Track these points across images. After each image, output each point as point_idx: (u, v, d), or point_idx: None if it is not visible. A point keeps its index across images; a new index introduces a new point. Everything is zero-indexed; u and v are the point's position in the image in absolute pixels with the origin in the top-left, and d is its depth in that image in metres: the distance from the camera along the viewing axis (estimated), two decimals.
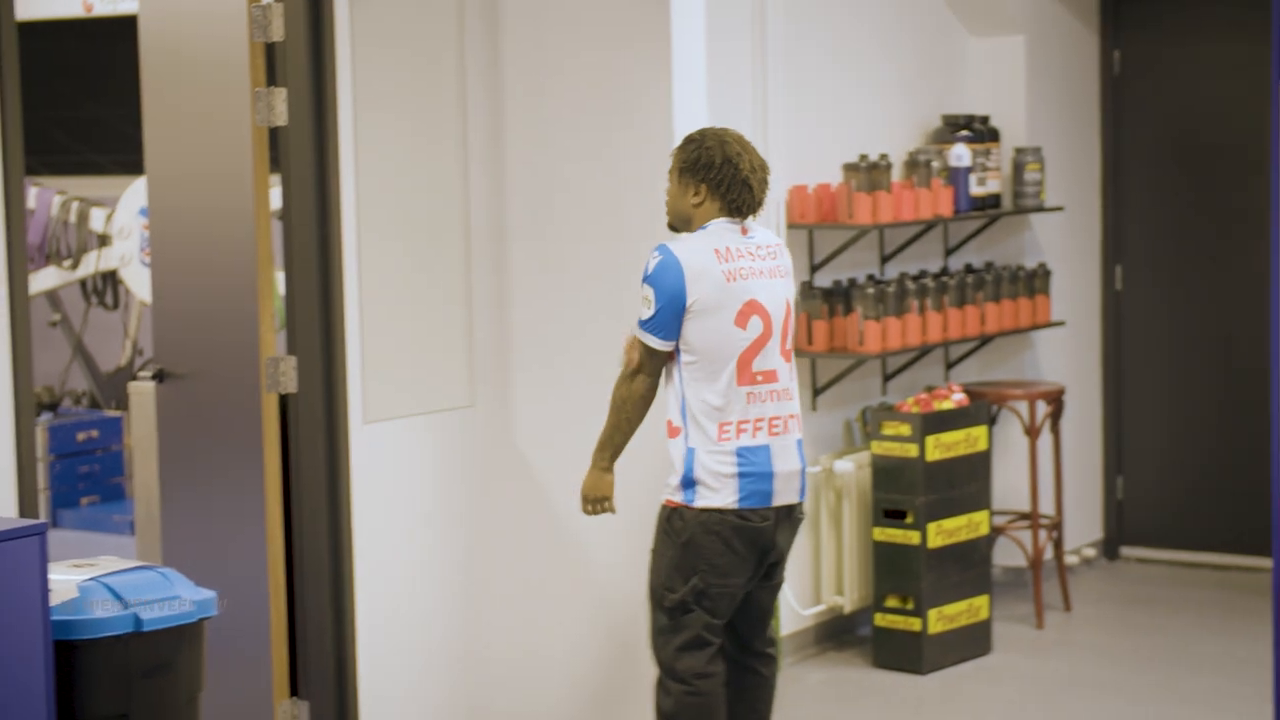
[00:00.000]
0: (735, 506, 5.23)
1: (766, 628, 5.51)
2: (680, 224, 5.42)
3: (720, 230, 5.30)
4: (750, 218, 5.35)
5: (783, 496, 5.31)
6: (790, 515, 5.36)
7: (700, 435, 5.25)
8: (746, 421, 5.26)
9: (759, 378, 5.28)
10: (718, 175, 5.28)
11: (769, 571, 5.39)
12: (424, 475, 6.15)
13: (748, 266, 5.29)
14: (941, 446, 7.42)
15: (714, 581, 5.26)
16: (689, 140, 5.37)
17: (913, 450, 7.35)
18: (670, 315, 5.22)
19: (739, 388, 5.25)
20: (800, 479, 5.37)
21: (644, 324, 5.26)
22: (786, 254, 5.44)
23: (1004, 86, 8.60)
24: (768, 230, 5.48)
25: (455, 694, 6.28)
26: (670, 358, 5.30)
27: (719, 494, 5.23)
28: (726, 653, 5.41)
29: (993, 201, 8.28)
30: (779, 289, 5.35)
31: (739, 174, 5.30)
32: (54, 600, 4.53)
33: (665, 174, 5.45)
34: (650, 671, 6.10)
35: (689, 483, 5.25)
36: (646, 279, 5.24)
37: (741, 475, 5.24)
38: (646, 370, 5.32)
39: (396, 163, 6.03)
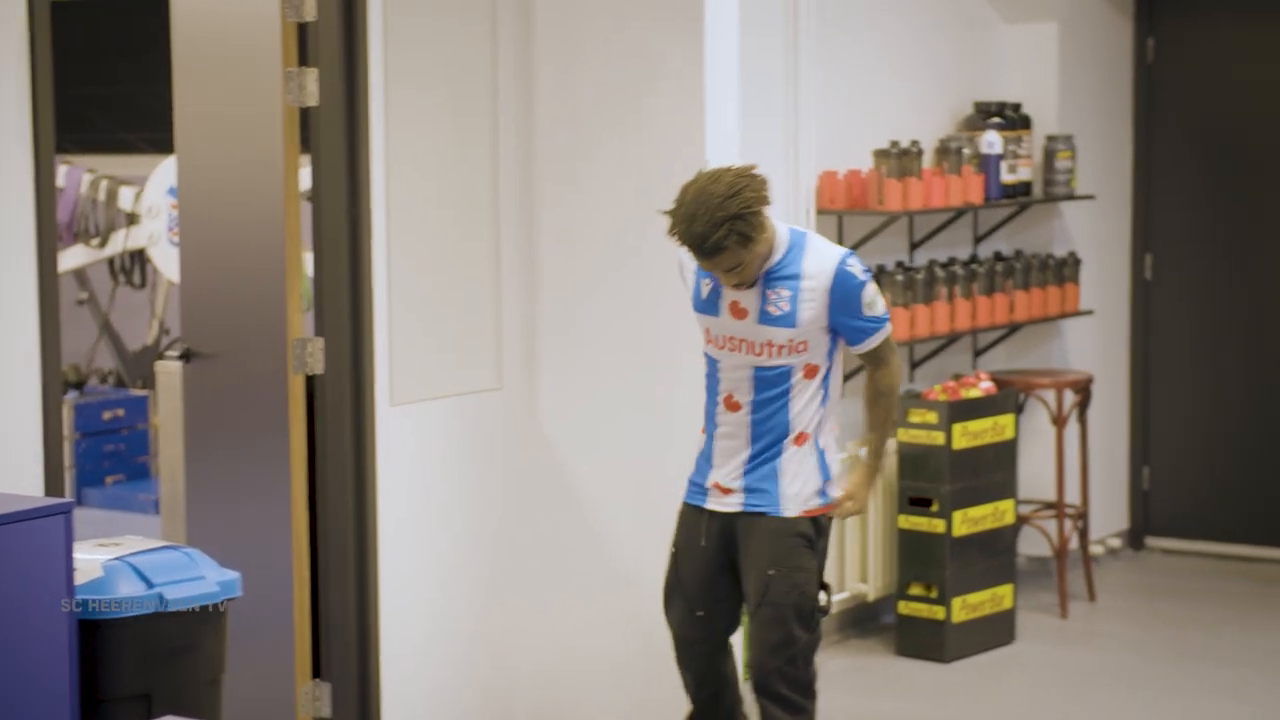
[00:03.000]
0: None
1: None
2: (760, 269, 5.07)
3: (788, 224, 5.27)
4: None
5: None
6: None
7: (829, 438, 5.20)
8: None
9: None
10: (758, 194, 4.97)
11: None
12: (450, 458, 6.14)
13: None
14: (968, 434, 7.39)
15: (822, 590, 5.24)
16: (724, 215, 4.88)
17: (939, 438, 7.33)
18: None
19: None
20: None
21: (885, 315, 5.16)
22: None
23: (1036, 74, 8.56)
24: None
25: (479, 677, 6.27)
26: (812, 370, 5.14)
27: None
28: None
29: (1023, 189, 8.25)
30: None
31: (759, 172, 5.06)
32: (79, 579, 4.52)
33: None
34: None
35: (826, 487, 5.18)
36: (864, 282, 5.08)
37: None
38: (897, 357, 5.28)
39: (427, 144, 6.01)
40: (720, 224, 4.90)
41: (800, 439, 5.13)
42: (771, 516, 5.13)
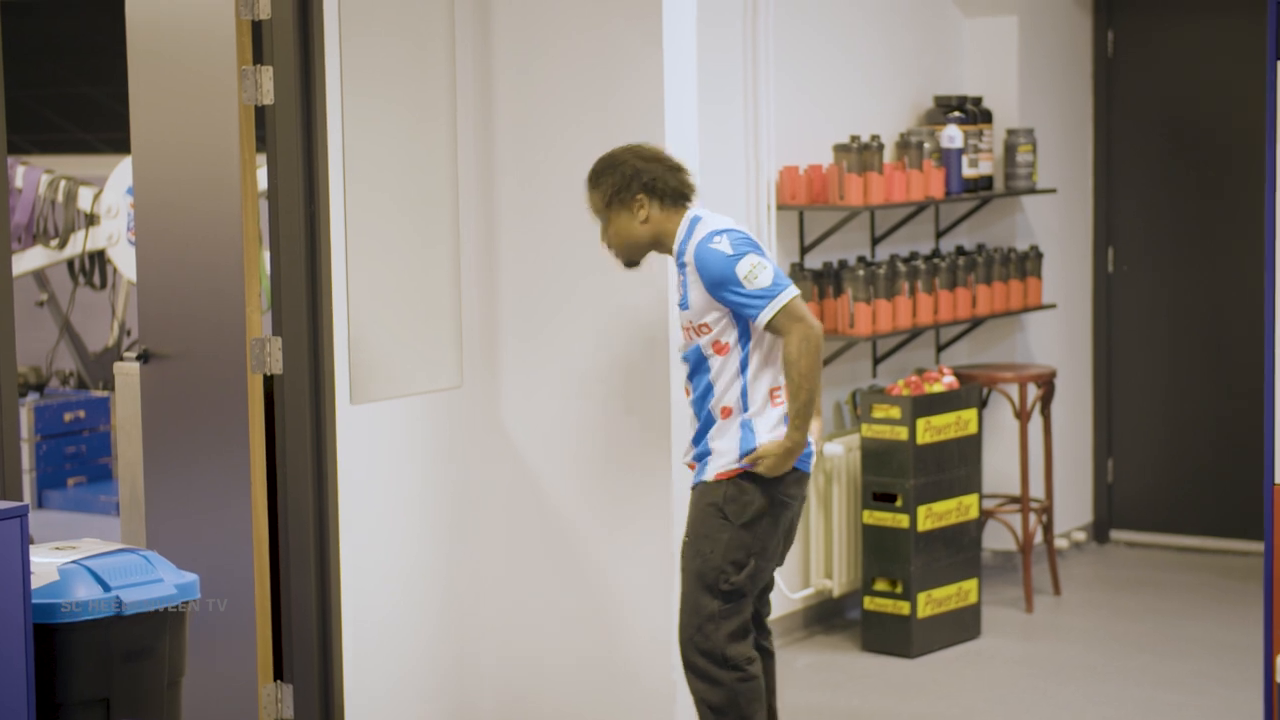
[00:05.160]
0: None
1: (768, 598, 5.59)
2: (638, 254, 5.47)
3: (707, 211, 5.38)
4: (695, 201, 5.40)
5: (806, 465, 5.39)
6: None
7: (760, 409, 5.28)
8: (778, 389, 5.33)
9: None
10: (648, 177, 5.34)
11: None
12: (411, 457, 6.12)
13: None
14: (932, 429, 7.39)
15: (763, 565, 5.34)
16: (600, 172, 5.43)
17: (903, 433, 7.33)
18: (776, 266, 5.28)
19: (773, 351, 5.33)
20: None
21: (775, 287, 5.20)
22: None
23: (997, 67, 8.57)
24: None
25: (441, 676, 6.25)
26: (722, 348, 5.29)
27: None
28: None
29: (985, 183, 8.26)
30: None
31: (665, 163, 5.39)
32: (35, 583, 4.50)
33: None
34: (633, 649, 6.08)
35: (745, 455, 5.27)
36: (738, 255, 5.19)
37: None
38: (810, 316, 5.24)
39: (385, 142, 5.99)
40: (603, 164, 5.43)
41: (725, 412, 5.32)
42: (696, 486, 5.40)
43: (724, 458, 5.31)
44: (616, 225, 5.42)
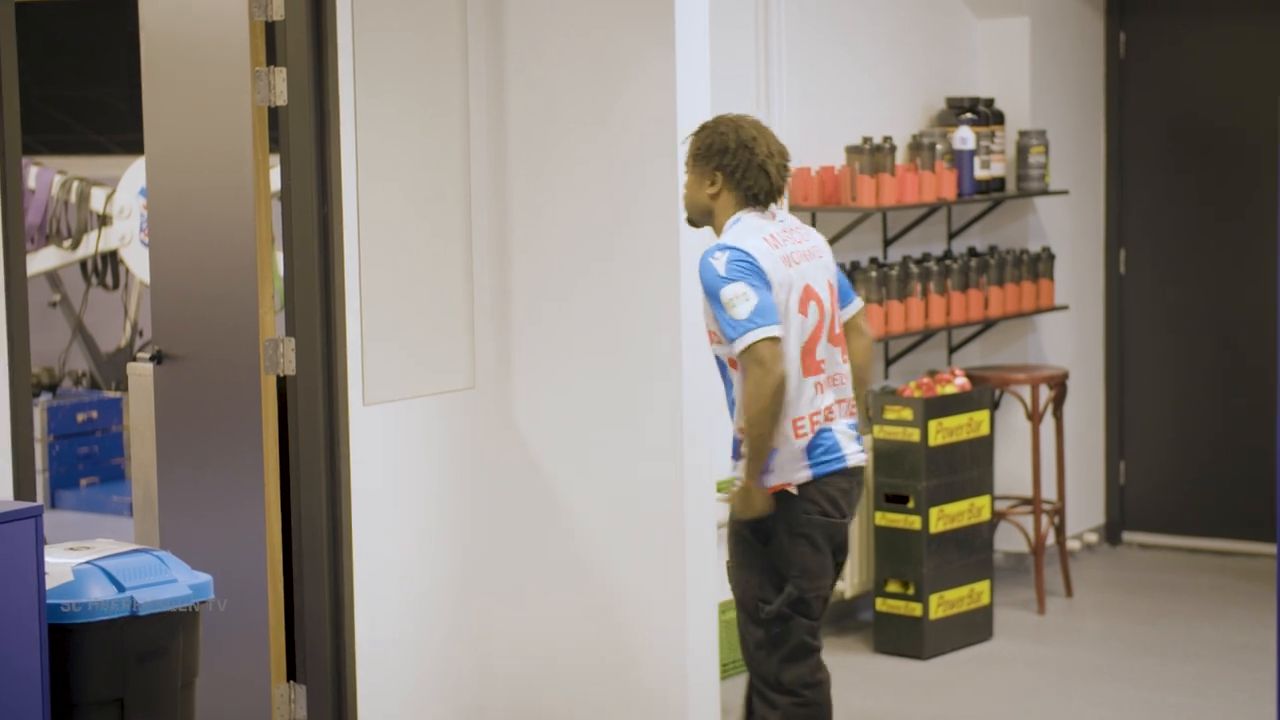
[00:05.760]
0: (811, 478, 5.07)
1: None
2: (699, 217, 5.23)
3: (756, 221, 5.11)
4: (772, 205, 5.17)
5: (853, 458, 5.18)
6: (858, 500, 5.24)
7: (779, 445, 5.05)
8: (817, 414, 5.09)
9: (822, 365, 5.11)
10: (732, 161, 5.10)
11: (836, 570, 5.25)
12: (424, 458, 6.12)
13: (795, 250, 5.11)
14: (944, 431, 7.39)
15: (807, 585, 5.10)
16: (702, 127, 5.20)
17: (915, 435, 7.32)
18: (771, 299, 4.96)
19: (806, 379, 5.07)
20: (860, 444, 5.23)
21: (751, 320, 4.92)
22: (815, 231, 5.29)
23: (1009, 69, 8.56)
24: (789, 215, 5.30)
25: (455, 676, 6.25)
26: (734, 362, 5.05)
27: (798, 475, 5.07)
28: None
29: (997, 185, 8.25)
30: (823, 270, 5.18)
31: (754, 159, 5.11)
32: (50, 583, 4.50)
33: (679, 162, 5.35)
34: (637, 650, 6.08)
35: (761, 478, 5.04)
36: (725, 279, 4.94)
37: (814, 467, 5.08)
38: (780, 371, 4.93)
39: (397, 142, 5.99)
40: (707, 125, 5.21)
41: (744, 434, 5.09)
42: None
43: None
44: (689, 183, 5.20)
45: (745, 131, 5.14)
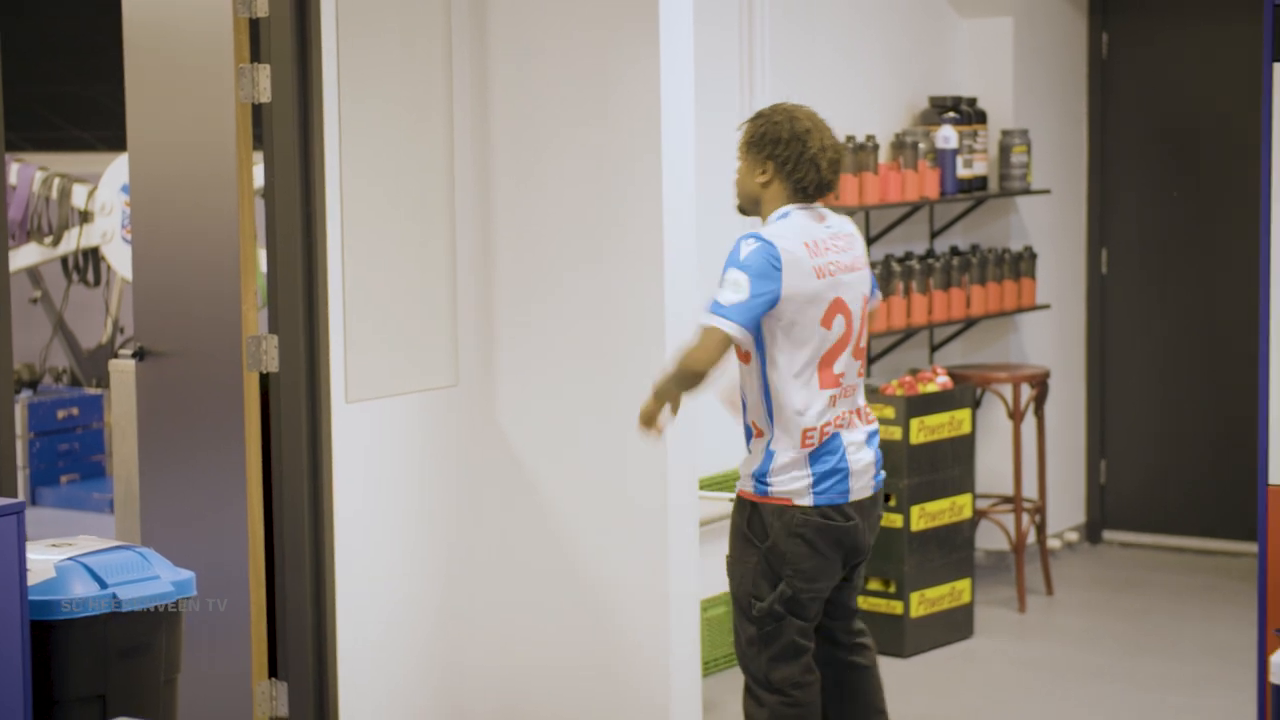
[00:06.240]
0: (812, 505, 5.02)
1: (852, 620, 5.31)
2: (749, 205, 5.18)
3: (805, 222, 5.05)
4: (820, 202, 5.13)
5: (859, 492, 5.10)
6: (872, 511, 5.17)
7: (786, 439, 5.01)
8: (829, 424, 5.03)
9: (840, 378, 5.06)
10: (784, 152, 5.05)
11: (850, 573, 5.21)
12: (407, 455, 6.12)
13: (835, 261, 5.05)
14: (925, 429, 7.40)
15: (803, 586, 5.06)
16: (758, 115, 5.16)
17: (896, 433, 7.33)
18: (762, 305, 4.91)
19: (822, 391, 5.03)
20: (875, 471, 5.16)
21: (724, 309, 4.90)
22: (860, 240, 5.23)
23: (991, 68, 8.58)
24: (842, 216, 5.24)
25: (436, 674, 6.25)
26: (744, 356, 5.04)
27: (800, 496, 5.03)
28: (820, 654, 5.21)
29: (979, 184, 8.27)
30: (859, 284, 5.13)
31: (806, 152, 5.05)
32: (31, 580, 4.50)
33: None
34: (626, 652, 6.09)
35: (764, 476, 5.03)
36: (739, 264, 4.92)
37: (817, 475, 5.03)
38: (715, 361, 4.93)
39: (382, 140, 5.99)
40: (762, 114, 5.19)
41: (756, 431, 5.09)
42: (736, 497, 5.20)
43: (745, 481, 5.12)
44: (741, 170, 5.16)
45: (800, 124, 5.09)
